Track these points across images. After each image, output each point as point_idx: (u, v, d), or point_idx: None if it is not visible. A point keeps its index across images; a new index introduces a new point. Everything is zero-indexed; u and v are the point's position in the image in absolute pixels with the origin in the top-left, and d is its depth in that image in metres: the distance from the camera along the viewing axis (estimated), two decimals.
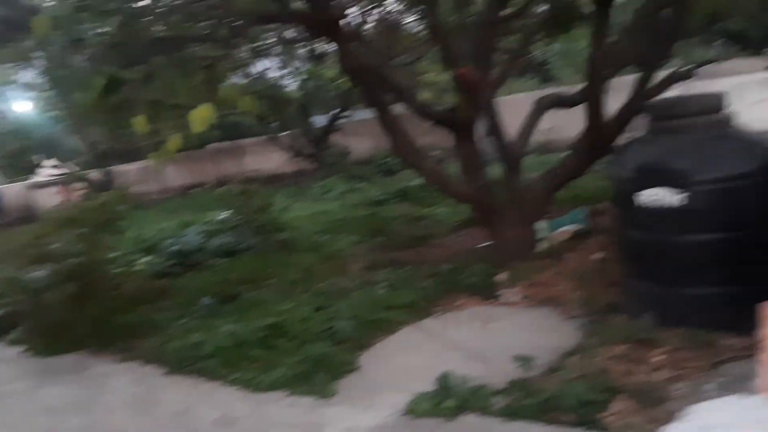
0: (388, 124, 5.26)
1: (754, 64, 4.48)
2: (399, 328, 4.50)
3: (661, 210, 3.58)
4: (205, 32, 4.24)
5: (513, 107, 7.89)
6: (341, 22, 5.04)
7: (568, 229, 5.79)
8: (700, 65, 4.79)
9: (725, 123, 3.68)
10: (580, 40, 7.97)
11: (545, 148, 11.02)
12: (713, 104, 3.69)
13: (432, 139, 8.01)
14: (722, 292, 3.49)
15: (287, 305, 4.99)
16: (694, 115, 3.66)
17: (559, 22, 6.53)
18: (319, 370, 3.89)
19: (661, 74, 5.00)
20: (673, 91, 4.68)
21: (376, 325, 4.50)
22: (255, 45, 7.09)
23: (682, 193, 3.49)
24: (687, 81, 4.68)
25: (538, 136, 10.38)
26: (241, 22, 4.30)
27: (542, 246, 5.53)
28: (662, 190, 3.57)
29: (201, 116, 3.11)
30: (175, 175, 16.55)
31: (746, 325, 3.43)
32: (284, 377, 3.88)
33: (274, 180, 13.81)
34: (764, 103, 3.92)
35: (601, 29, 4.45)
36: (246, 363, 4.17)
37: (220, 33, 4.14)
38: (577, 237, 5.68)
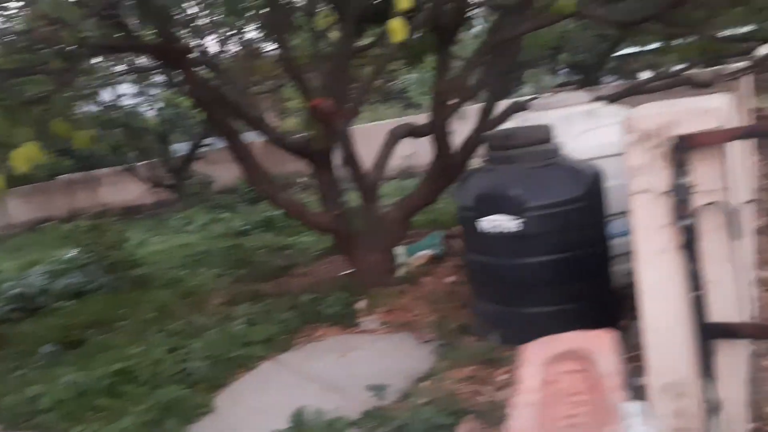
0: (241, 154, 5.19)
1: (581, 97, 4.89)
2: (257, 365, 4.41)
3: (500, 235, 3.80)
4: (37, 65, 3.98)
5: (377, 134, 8.07)
6: (190, 52, 4.92)
7: (424, 253, 5.98)
8: (533, 98, 5.16)
9: (554, 152, 3.98)
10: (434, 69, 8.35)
11: (407, 173, 11.38)
12: (542, 135, 3.99)
13: (298, 166, 8.00)
14: (557, 310, 3.75)
15: (138, 348, 4.73)
16: (526, 145, 3.94)
17: (411, 53, 6.81)
18: (171, 416, 3.71)
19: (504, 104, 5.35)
20: (512, 122, 5.01)
21: (234, 363, 4.37)
22: (101, 74, 6.75)
23: (518, 219, 3.73)
24: (523, 112, 5.01)
25: (399, 162, 10.70)
26: (79, 52, 4.09)
27: (401, 271, 5.67)
28: (500, 217, 3.79)
29: (24, 156, 2.90)
30: (21, 210, 15.24)
31: None
32: (132, 426, 3.65)
33: (131, 212, 13.15)
34: (588, 133, 4.27)
35: (444, 64, 4.68)
36: (90, 414, 3.89)
37: (54, 65, 3.89)
38: (434, 261, 5.88)
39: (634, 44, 13.62)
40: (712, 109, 2.09)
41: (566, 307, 3.74)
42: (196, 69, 5.69)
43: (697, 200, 2.11)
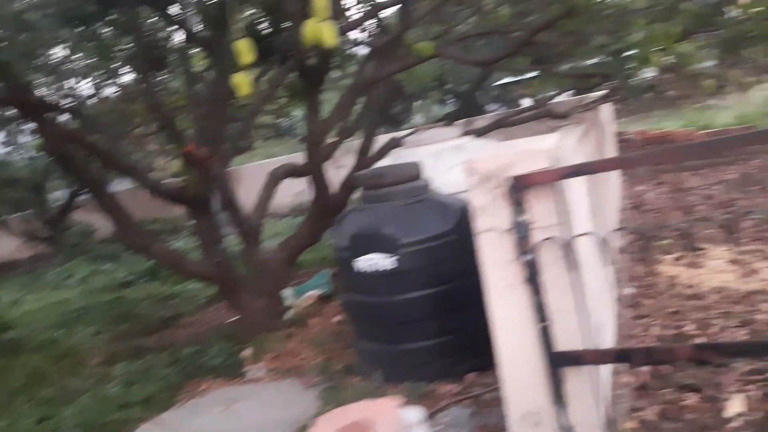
0: (107, 205, 4.94)
1: (451, 132, 5.07)
2: (136, 427, 4.17)
3: (376, 273, 3.83)
4: None
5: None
6: (42, 104, 4.68)
7: (313, 293, 5.93)
8: (408, 134, 5.28)
9: (424, 189, 4.08)
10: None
11: (298, 211, 11.30)
12: (412, 172, 4.08)
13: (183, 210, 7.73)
14: (435, 344, 3.81)
15: (3, 421, 4.37)
16: (397, 183, 4.01)
17: (290, 93, 6.84)
18: None
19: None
20: (388, 159, 5.11)
21: (109, 429, 4.13)
22: None
23: (392, 256, 3.78)
24: (398, 149, 5.12)
25: (291, 199, 10.59)
26: None
27: (289, 314, 5.58)
28: (375, 255, 3.83)
29: None
30: None
31: (458, 371, 3.79)
32: None
33: (4, 269, 12.24)
34: (456, 167, 4.40)
35: (314, 106, 4.72)
36: None
37: None
38: (322, 300, 5.84)
39: (511, 74, 14.35)
40: (543, 150, 2.22)
41: (444, 340, 3.81)
42: (60, 116, 5.44)
43: (536, 236, 2.22)
